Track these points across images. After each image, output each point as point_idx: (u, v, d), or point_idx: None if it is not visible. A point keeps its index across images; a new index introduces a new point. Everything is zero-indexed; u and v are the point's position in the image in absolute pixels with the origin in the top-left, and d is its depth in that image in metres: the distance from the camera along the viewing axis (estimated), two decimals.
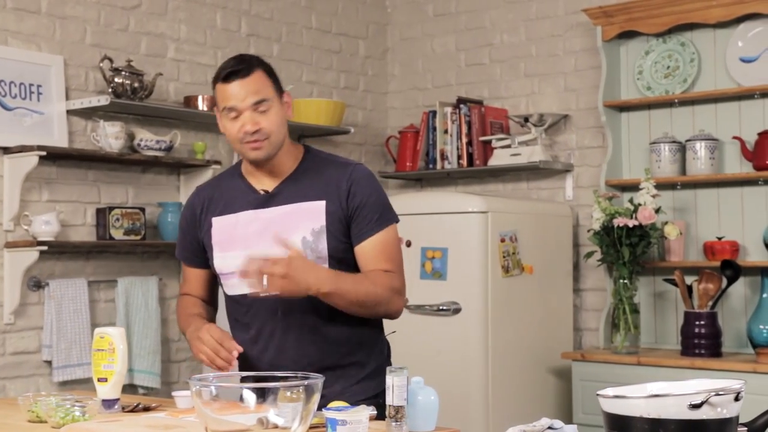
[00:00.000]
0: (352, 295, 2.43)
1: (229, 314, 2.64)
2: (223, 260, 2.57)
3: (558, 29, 4.95)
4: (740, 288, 4.29)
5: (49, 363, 3.93)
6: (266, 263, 2.30)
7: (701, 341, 4.09)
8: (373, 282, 2.47)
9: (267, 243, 2.46)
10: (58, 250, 3.93)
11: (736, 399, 1.64)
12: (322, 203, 2.51)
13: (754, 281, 4.27)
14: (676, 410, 1.63)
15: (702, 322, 4.10)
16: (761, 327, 4.06)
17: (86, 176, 4.10)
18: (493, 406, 4.21)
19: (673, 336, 4.49)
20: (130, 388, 4.02)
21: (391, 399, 2.15)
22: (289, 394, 2.02)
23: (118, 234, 4.04)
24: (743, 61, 4.35)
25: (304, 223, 2.49)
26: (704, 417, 1.62)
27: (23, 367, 3.89)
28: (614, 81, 4.65)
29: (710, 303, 4.13)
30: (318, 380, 1.99)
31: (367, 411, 2.11)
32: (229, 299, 2.62)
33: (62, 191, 4.02)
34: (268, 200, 2.55)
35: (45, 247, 3.76)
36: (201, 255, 2.65)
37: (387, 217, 2.54)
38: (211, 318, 2.70)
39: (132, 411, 2.51)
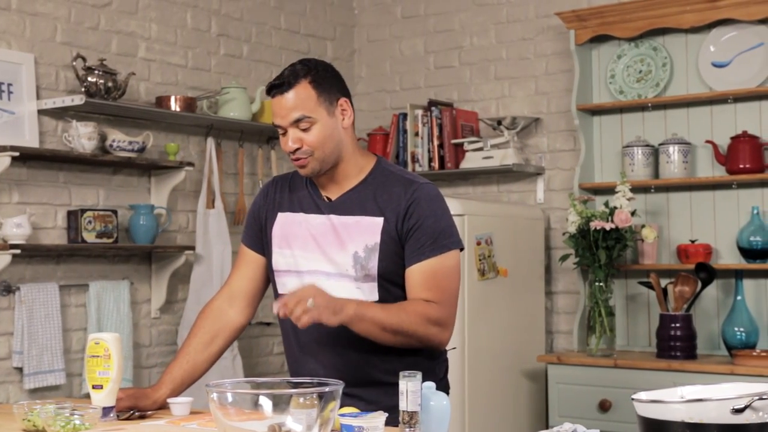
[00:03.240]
0: (385, 322, 2.33)
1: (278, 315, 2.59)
2: (281, 257, 2.53)
3: (529, 33, 4.96)
4: (712, 291, 4.33)
5: (19, 370, 3.81)
6: (295, 294, 2.24)
7: (677, 344, 4.12)
8: (405, 310, 2.38)
9: (321, 249, 2.44)
10: (28, 253, 3.82)
11: None
12: (380, 220, 2.44)
13: (726, 284, 4.32)
14: (717, 414, 1.62)
15: (677, 325, 4.12)
16: (736, 329, 4.11)
17: (57, 177, 4.00)
18: (470, 408, 4.20)
19: (645, 338, 4.52)
20: None
21: (405, 405, 2.11)
22: (302, 400, 1.98)
23: (90, 237, 3.94)
24: (715, 66, 4.39)
25: (360, 237, 2.43)
26: (746, 421, 1.61)
27: None
28: (586, 85, 4.67)
29: (685, 306, 4.16)
30: (336, 387, 1.95)
31: (383, 417, 2.08)
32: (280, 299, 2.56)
33: (33, 193, 3.91)
34: (329, 208, 2.50)
35: (18, 251, 3.64)
36: (262, 241, 2.60)
37: (443, 242, 2.44)
38: (198, 360, 2.61)
39: (128, 419, 2.45)
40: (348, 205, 2.48)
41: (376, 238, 2.43)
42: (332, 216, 2.49)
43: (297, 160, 2.44)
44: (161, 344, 4.38)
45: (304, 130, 2.41)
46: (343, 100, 2.48)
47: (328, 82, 2.45)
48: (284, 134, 2.44)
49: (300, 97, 2.40)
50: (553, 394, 4.30)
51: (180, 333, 4.36)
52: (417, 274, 2.43)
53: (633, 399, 1.71)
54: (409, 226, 2.43)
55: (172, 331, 4.42)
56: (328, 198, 2.52)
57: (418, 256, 2.42)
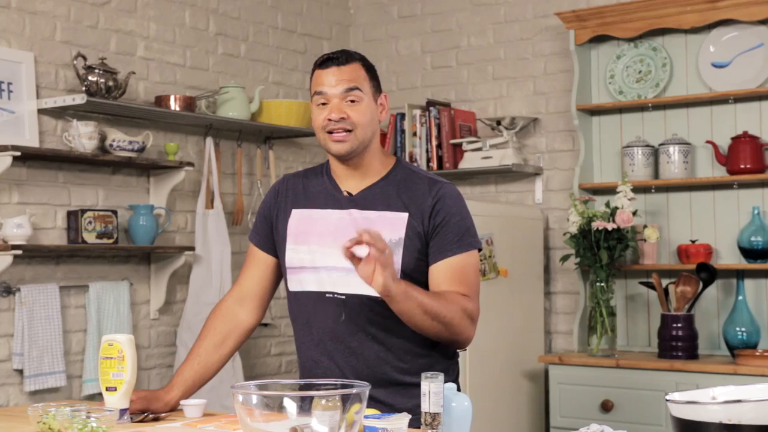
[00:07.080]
0: (428, 306, 2.31)
1: (292, 313, 2.57)
2: (295, 253, 2.50)
3: (527, 33, 4.95)
4: (712, 291, 4.34)
5: (20, 372, 3.77)
6: (376, 239, 2.17)
7: (678, 344, 4.12)
8: (446, 298, 2.37)
9: (340, 244, 2.38)
10: (29, 254, 3.78)
11: None
12: (405, 215, 2.43)
13: (727, 284, 4.33)
14: (755, 415, 1.60)
15: (679, 325, 4.13)
16: (737, 329, 4.11)
17: (56, 177, 3.95)
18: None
19: (645, 338, 4.52)
20: (100, 396, 3.88)
21: (428, 406, 2.10)
22: (324, 402, 1.96)
23: (90, 237, 3.90)
24: (715, 66, 4.40)
25: (383, 232, 2.37)
26: None
27: None
28: (585, 85, 4.67)
29: (687, 306, 4.16)
30: (363, 389, 1.93)
31: (407, 418, 2.06)
32: (293, 297, 2.54)
33: (32, 193, 3.87)
34: (350, 203, 2.48)
35: (19, 252, 3.60)
36: (272, 241, 2.59)
37: (468, 240, 2.45)
38: (210, 361, 2.59)
39: (141, 421, 2.42)
40: (370, 200, 2.47)
41: (401, 233, 2.42)
42: (353, 210, 2.47)
43: (336, 133, 2.42)
44: (160, 345, 4.35)
45: (352, 103, 2.42)
46: (383, 95, 2.53)
47: (375, 74, 2.52)
48: (323, 105, 2.44)
49: (355, 72, 2.44)
50: (554, 394, 4.29)
51: (179, 334, 4.33)
52: (445, 270, 2.42)
53: (667, 400, 1.70)
54: (435, 223, 2.43)
55: (171, 332, 4.39)
56: (349, 193, 2.50)
57: (445, 252, 2.42)
